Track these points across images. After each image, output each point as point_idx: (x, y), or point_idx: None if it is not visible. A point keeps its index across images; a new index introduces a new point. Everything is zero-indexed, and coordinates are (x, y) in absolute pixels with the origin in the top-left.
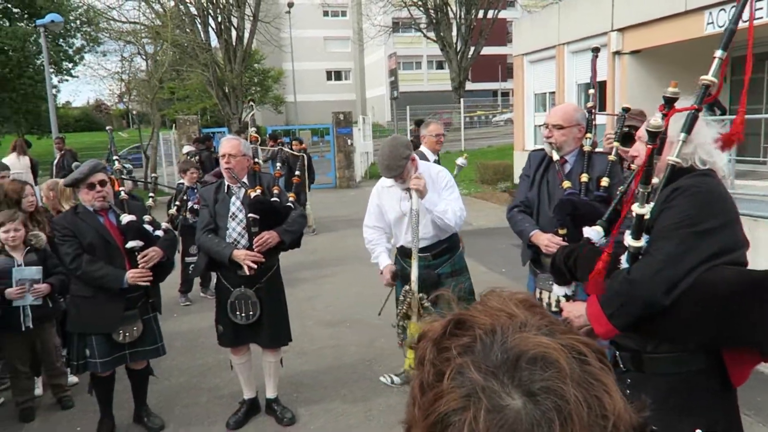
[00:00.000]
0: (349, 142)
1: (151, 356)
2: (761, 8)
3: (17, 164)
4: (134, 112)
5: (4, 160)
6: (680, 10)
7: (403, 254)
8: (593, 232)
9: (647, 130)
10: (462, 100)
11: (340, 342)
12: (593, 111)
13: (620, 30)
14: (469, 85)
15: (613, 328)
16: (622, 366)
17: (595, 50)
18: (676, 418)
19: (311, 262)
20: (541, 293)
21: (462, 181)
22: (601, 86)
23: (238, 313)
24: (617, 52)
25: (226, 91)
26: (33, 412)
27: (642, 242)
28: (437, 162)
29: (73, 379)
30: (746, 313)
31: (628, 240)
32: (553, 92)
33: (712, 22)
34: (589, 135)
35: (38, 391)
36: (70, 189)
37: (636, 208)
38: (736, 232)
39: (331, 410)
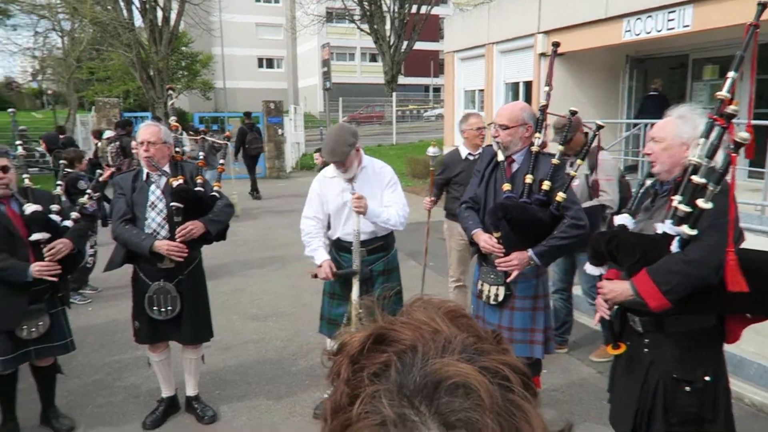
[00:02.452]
0: (279, 131)
1: (59, 353)
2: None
3: None
4: (49, 92)
5: None
6: (601, 17)
7: (339, 247)
8: (626, 219)
9: (735, 141)
10: (394, 93)
11: (265, 336)
12: (545, 110)
13: (546, 32)
14: (402, 79)
15: (667, 302)
16: (641, 329)
17: (555, 44)
18: (689, 367)
19: (237, 254)
20: (482, 285)
21: None
22: (527, 86)
23: (156, 308)
24: (543, 54)
25: (151, 74)
26: None
27: (696, 231)
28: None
29: None
30: None
31: (679, 229)
32: (482, 90)
33: (630, 30)
34: (538, 135)
35: None
36: None
37: (701, 203)
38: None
39: (255, 407)
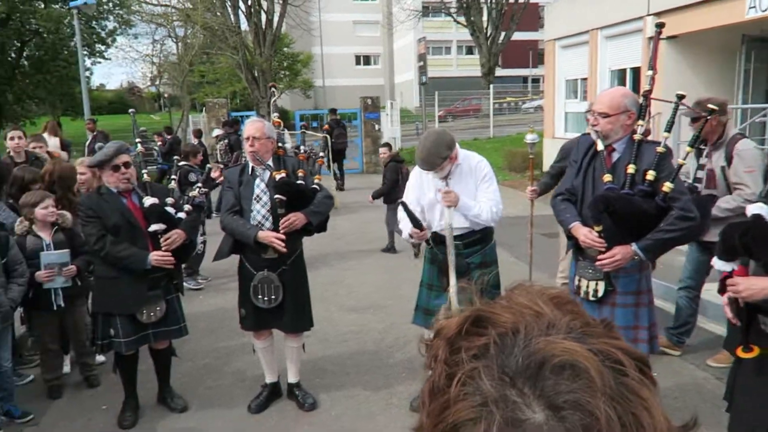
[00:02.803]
0: (376, 127)
1: (174, 336)
2: None
3: (49, 144)
4: (165, 95)
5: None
6: None
7: (436, 240)
8: (762, 209)
9: None
10: (491, 86)
11: (362, 328)
12: (649, 96)
13: (657, 14)
14: (499, 71)
15: None
16: None
17: (659, 25)
18: None
19: (335, 246)
20: (580, 281)
21: None
22: (635, 72)
23: (260, 296)
24: (653, 38)
25: (255, 74)
26: (61, 389)
27: None
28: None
29: (100, 358)
30: None
31: None
32: (585, 78)
33: (755, 6)
34: (641, 122)
35: (66, 368)
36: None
37: None
38: None
39: (353, 396)
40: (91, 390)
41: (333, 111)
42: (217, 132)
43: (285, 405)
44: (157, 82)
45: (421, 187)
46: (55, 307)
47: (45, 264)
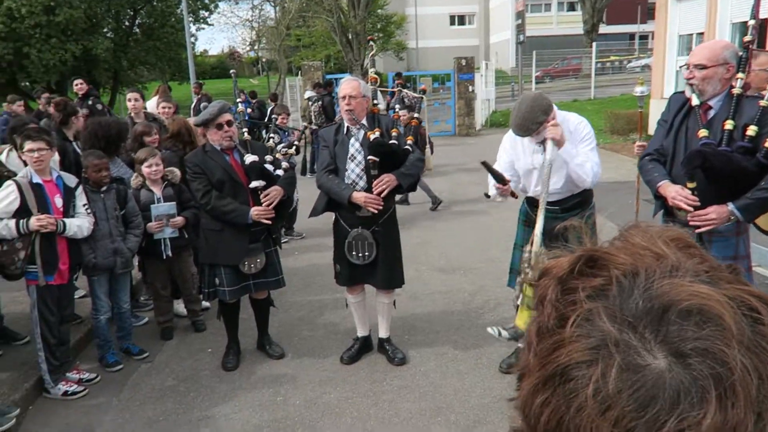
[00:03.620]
0: (470, 88)
1: (273, 287)
2: None
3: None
4: (264, 60)
5: (147, 103)
6: None
7: (531, 203)
8: None
9: None
10: (594, 44)
11: (452, 288)
12: (750, 47)
13: None
14: (603, 28)
15: None
16: None
17: None
18: None
19: (427, 209)
20: None
21: None
22: (763, 25)
23: (354, 253)
24: None
25: (349, 37)
26: (172, 332)
27: None
28: None
29: (205, 304)
30: None
31: None
32: (702, 33)
33: None
34: (741, 75)
35: (181, 308)
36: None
37: None
38: None
39: (442, 354)
40: (197, 334)
41: (398, 75)
42: (309, 94)
43: (375, 358)
44: (256, 47)
45: (515, 151)
46: (164, 257)
47: (155, 216)
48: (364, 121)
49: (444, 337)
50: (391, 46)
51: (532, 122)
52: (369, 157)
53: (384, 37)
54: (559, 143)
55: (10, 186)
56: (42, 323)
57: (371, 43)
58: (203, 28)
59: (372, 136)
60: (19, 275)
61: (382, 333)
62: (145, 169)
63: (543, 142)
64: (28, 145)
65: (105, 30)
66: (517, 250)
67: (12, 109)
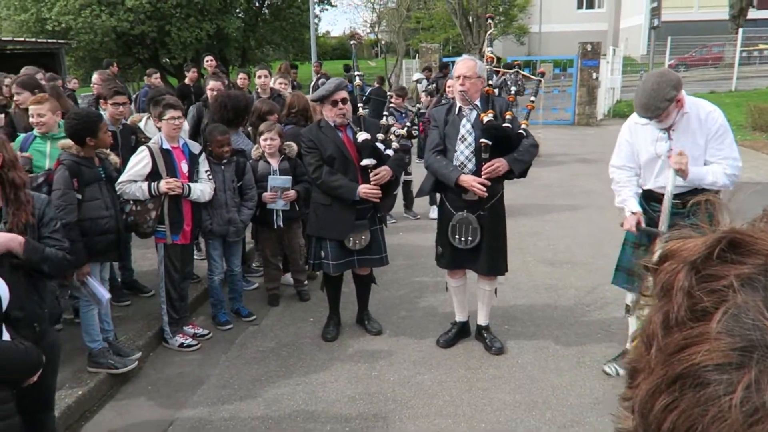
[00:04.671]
0: (594, 75)
1: (376, 264)
2: None
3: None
4: (383, 42)
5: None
6: None
7: (649, 197)
8: None
9: None
10: (741, 30)
11: (558, 282)
12: None
13: None
14: (753, 13)
15: None
16: None
17: None
18: None
19: (538, 197)
20: None
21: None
22: None
23: (458, 236)
24: None
25: (470, 20)
26: (278, 298)
27: None
28: None
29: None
30: None
31: None
32: None
33: None
34: None
35: (288, 278)
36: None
37: None
38: None
39: (542, 348)
40: (301, 303)
41: (428, 69)
42: (418, 76)
43: (472, 345)
44: (376, 29)
45: (635, 144)
46: (275, 227)
47: (271, 187)
48: (477, 102)
49: (545, 332)
50: (513, 30)
51: (662, 99)
52: (481, 140)
53: (506, 21)
54: (683, 174)
55: (143, 151)
56: (166, 278)
57: (489, 20)
58: (326, 9)
59: (485, 118)
60: (150, 233)
61: (481, 320)
62: (261, 141)
63: (670, 128)
64: (170, 113)
65: (237, 10)
66: (627, 246)
67: (151, 81)
